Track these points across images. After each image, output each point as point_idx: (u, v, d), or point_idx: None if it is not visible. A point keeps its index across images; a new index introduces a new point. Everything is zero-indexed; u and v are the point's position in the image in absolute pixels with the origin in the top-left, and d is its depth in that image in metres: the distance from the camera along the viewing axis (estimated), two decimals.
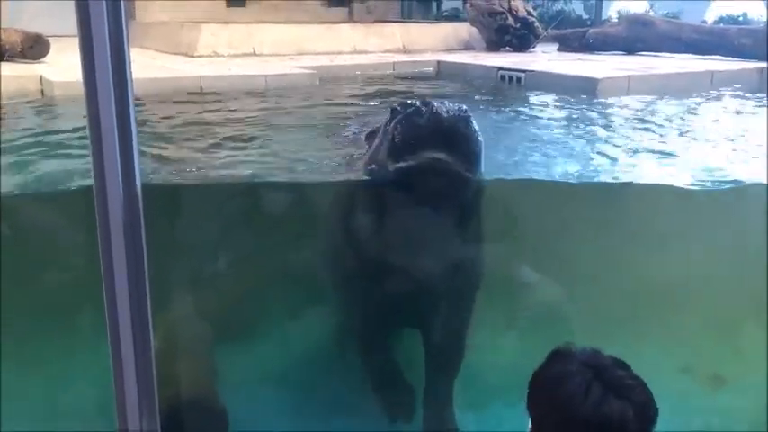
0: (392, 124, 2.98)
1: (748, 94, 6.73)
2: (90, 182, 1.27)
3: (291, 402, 3.49)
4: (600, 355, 1.52)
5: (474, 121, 2.91)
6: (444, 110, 2.86)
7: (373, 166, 3.17)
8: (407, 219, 3.09)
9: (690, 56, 8.80)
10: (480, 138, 2.94)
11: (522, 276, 3.78)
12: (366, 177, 3.30)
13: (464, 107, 2.92)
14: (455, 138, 2.84)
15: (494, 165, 3.81)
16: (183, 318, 3.28)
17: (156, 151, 4.12)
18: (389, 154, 2.96)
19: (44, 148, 4.23)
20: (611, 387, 1.43)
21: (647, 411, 1.45)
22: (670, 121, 5.51)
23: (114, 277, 1.28)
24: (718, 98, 6.74)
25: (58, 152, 4.15)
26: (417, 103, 2.97)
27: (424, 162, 2.82)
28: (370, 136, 3.48)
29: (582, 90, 6.48)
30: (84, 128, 1.31)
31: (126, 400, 1.38)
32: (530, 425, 1.54)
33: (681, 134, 5.09)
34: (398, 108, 3.05)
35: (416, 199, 2.98)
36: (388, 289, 3.22)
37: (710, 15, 12.87)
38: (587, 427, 1.41)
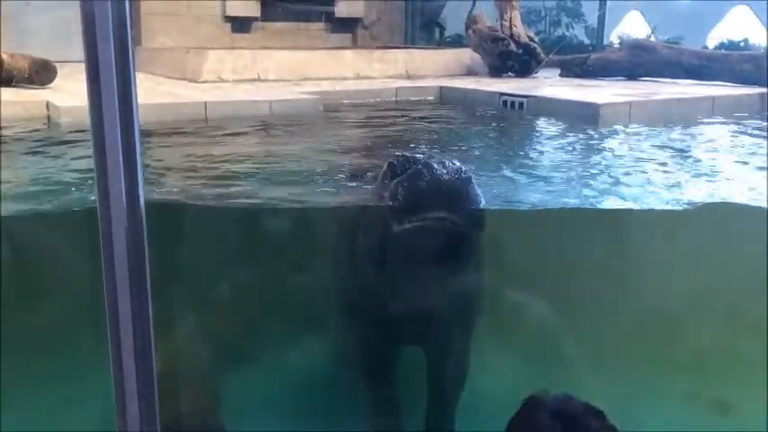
0: (392, 185, 3.02)
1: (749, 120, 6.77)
2: (93, 203, 1.29)
3: (292, 427, 3.48)
4: (572, 403, 1.47)
5: (473, 179, 2.99)
6: (445, 171, 2.92)
7: (375, 223, 3.20)
8: (411, 268, 3.13)
9: (691, 81, 8.86)
10: (481, 195, 3.00)
11: (520, 301, 3.79)
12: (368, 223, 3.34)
13: (464, 167, 2.99)
14: (458, 199, 2.90)
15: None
16: (184, 341, 3.28)
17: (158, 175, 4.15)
18: (392, 216, 3.00)
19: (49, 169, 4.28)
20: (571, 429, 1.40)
21: None
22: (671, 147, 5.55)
23: (117, 297, 1.29)
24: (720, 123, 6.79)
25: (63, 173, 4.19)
26: (417, 161, 3.03)
27: (429, 224, 2.87)
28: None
29: (583, 115, 6.52)
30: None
31: (127, 423, 1.38)
32: None
33: (683, 158, 5.13)
34: (396, 163, 3.10)
35: (421, 256, 3.03)
36: (392, 314, 3.24)
37: (712, 41, 12.97)
38: None
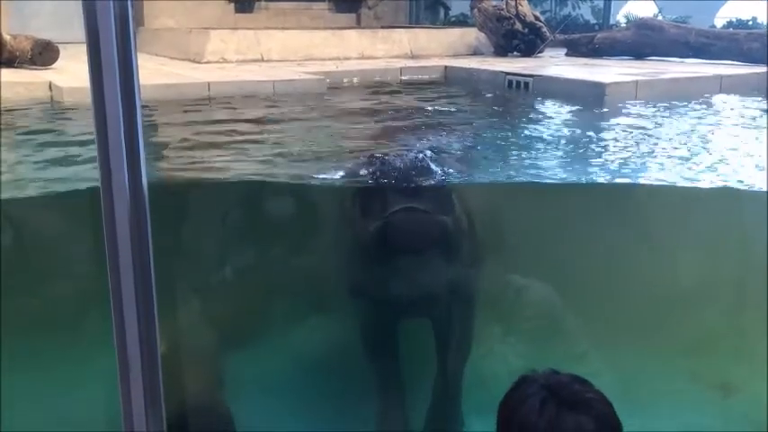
0: (357, 191, 3.25)
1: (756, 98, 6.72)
2: (96, 184, 1.28)
3: (296, 407, 3.50)
4: (558, 375, 1.53)
5: (432, 164, 3.14)
6: (401, 165, 3.10)
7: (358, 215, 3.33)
8: (395, 255, 3.25)
9: (698, 60, 8.78)
10: (442, 176, 3.16)
11: (520, 284, 3.80)
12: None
13: (419, 156, 3.18)
14: (416, 187, 3.07)
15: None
16: (188, 322, 3.29)
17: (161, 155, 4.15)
18: (363, 217, 3.19)
19: (52, 152, 4.27)
20: (565, 403, 1.44)
21: (607, 423, 1.45)
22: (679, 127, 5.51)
23: (120, 279, 1.29)
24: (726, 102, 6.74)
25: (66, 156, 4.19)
26: (379, 160, 3.21)
27: (396, 216, 3.02)
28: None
29: (589, 94, 6.48)
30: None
31: (132, 405, 1.39)
32: None
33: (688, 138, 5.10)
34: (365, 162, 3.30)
35: (400, 245, 3.15)
36: (389, 292, 3.32)
37: (719, 20, 12.84)
38: None
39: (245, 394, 3.44)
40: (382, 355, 3.62)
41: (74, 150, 4.25)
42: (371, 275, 3.32)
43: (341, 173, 3.73)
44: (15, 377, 3.11)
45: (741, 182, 4.01)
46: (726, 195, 3.94)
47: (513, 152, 4.64)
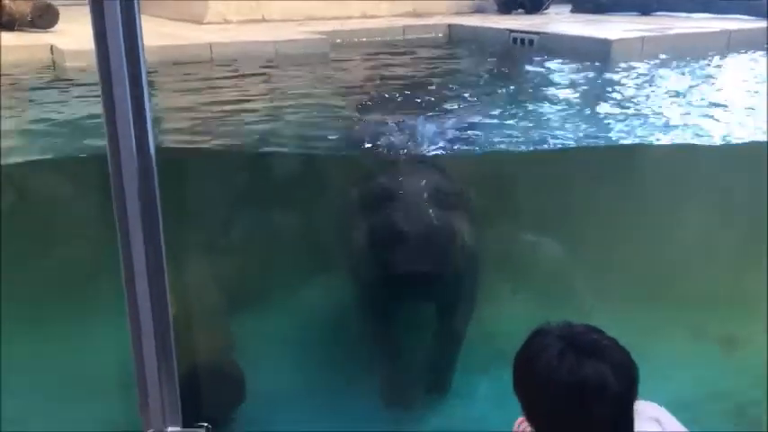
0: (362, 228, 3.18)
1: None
2: (103, 148, 1.27)
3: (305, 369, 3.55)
4: (573, 325, 1.53)
5: (445, 225, 3.08)
6: (419, 222, 3.03)
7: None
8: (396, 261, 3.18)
9: (706, 15, 8.63)
10: (452, 224, 3.11)
11: (529, 243, 3.81)
12: None
13: (431, 211, 3.08)
14: (429, 254, 3.04)
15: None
16: (198, 285, 3.31)
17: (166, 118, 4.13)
18: (369, 257, 3.20)
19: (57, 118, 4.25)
20: (583, 351, 1.45)
21: (625, 370, 1.45)
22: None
23: (131, 245, 1.29)
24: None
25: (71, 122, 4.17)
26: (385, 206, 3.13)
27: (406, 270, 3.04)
28: None
29: (595, 51, 6.39)
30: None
31: (146, 370, 1.40)
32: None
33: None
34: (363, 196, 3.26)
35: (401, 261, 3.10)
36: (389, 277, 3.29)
37: None
38: (568, 393, 1.42)
39: (256, 356, 3.48)
40: (382, 332, 3.63)
41: (76, 113, 4.24)
42: (374, 260, 3.29)
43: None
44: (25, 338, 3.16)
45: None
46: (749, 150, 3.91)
47: (517, 113, 4.60)
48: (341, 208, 3.61)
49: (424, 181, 3.24)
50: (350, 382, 3.54)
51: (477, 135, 4.02)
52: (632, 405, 1.47)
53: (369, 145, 3.66)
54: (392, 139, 3.60)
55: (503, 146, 3.90)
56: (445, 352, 3.65)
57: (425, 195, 3.17)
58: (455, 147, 3.79)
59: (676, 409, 1.77)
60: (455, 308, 3.56)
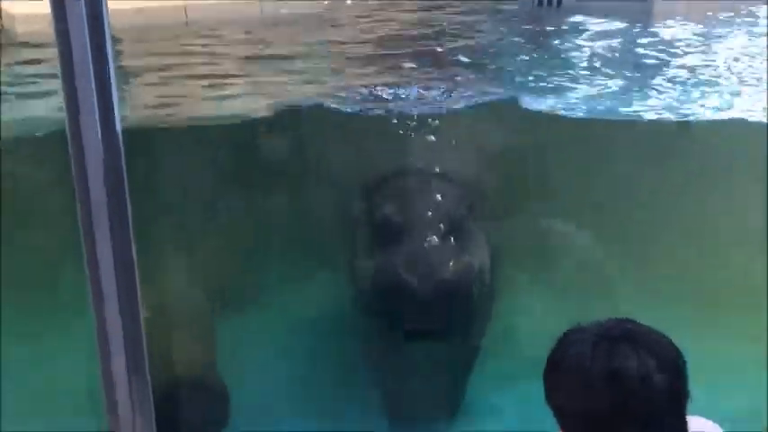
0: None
1: None
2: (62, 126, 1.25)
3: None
4: (605, 320, 1.50)
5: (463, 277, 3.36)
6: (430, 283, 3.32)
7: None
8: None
9: None
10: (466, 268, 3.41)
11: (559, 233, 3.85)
12: None
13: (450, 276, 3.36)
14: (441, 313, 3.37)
15: None
16: (177, 287, 3.31)
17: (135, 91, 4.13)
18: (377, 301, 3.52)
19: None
20: (619, 338, 1.42)
21: (669, 358, 1.41)
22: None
23: (95, 237, 1.27)
24: None
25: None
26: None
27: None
28: None
29: (634, 11, 6.33)
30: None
31: (114, 378, 1.38)
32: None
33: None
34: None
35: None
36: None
37: None
38: (605, 385, 1.38)
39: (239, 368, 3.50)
40: (389, 347, 3.72)
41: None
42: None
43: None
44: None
45: None
46: None
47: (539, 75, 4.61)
48: (350, 224, 3.86)
49: (434, 211, 3.52)
50: (353, 397, 3.57)
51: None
52: (682, 403, 1.43)
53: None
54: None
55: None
56: (456, 368, 3.69)
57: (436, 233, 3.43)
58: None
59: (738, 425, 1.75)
60: (468, 330, 3.69)
